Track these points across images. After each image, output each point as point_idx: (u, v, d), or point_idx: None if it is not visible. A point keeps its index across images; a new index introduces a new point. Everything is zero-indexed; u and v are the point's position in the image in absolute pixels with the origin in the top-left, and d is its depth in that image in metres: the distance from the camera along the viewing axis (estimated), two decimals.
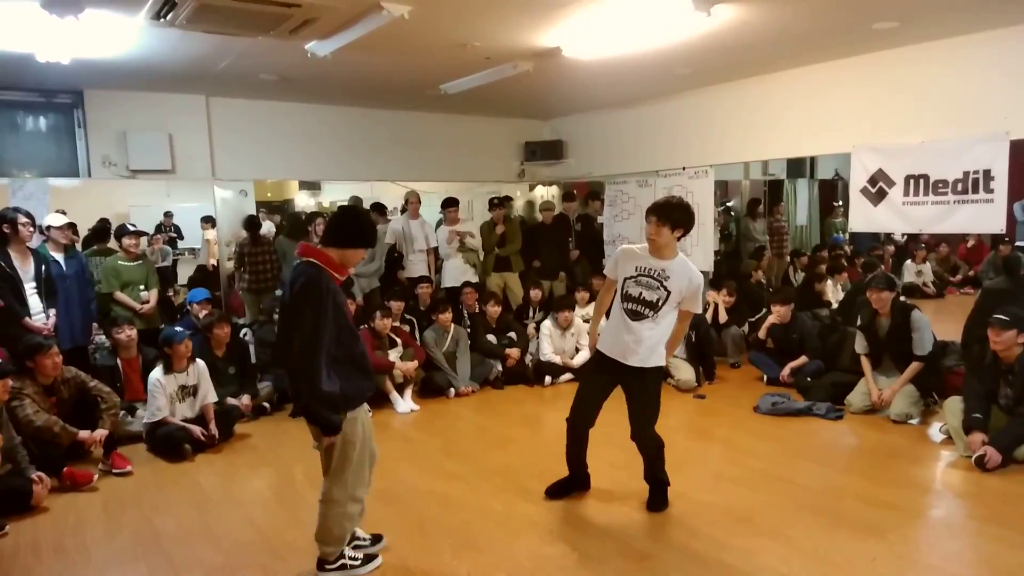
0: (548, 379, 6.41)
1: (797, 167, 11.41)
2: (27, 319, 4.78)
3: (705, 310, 6.68)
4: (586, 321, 6.68)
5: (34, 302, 4.88)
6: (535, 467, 4.19)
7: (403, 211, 7.95)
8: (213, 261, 8.25)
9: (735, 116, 6.96)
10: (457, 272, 7.47)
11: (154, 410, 4.75)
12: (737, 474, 4.18)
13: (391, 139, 8.21)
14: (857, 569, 3.05)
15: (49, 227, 5.34)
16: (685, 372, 6.13)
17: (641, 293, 3.47)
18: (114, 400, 4.70)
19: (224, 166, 7.30)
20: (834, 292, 8.00)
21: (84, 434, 4.38)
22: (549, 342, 6.54)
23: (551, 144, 9.08)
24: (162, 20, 4.32)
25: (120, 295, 5.77)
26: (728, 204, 10.49)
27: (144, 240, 6.81)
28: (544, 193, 9.66)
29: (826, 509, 3.64)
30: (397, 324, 6.20)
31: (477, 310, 6.82)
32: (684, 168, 7.43)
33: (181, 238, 9.88)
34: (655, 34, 5.05)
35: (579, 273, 8.07)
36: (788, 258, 9.58)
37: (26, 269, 4.87)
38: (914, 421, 5.03)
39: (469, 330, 6.55)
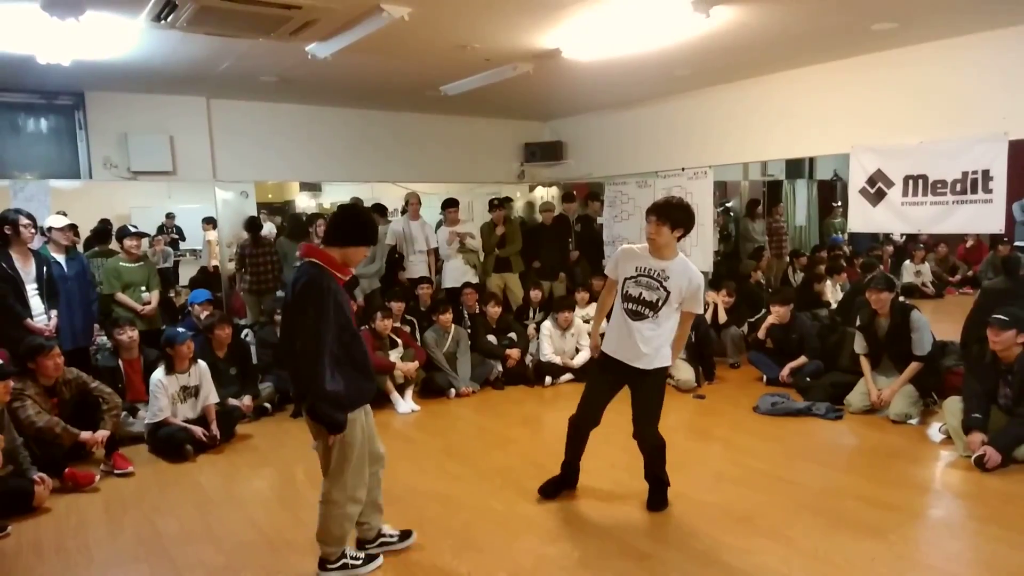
0: (548, 379, 6.42)
1: (796, 168, 11.41)
2: (28, 320, 4.79)
3: (705, 310, 6.68)
4: (586, 321, 6.70)
5: (35, 303, 4.89)
6: (535, 467, 4.20)
7: (403, 212, 7.97)
8: (214, 262, 8.27)
9: (734, 117, 6.97)
10: (457, 273, 7.48)
11: (156, 411, 4.77)
12: (737, 474, 4.19)
13: (391, 140, 8.22)
14: (857, 569, 3.05)
15: (50, 228, 5.35)
16: (685, 372, 6.13)
17: (641, 293, 3.48)
18: (116, 401, 4.71)
19: (225, 167, 7.31)
20: (833, 292, 8.01)
21: (86, 435, 4.39)
22: (549, 343, 6.55)
23: (551, 145, 9.09)
24: (163, 22, 4.33)
25: (121, 296, 5.78)
26: (727, 205, 10.50)
27: (145, 241, 6.83)
28: (544, 194, 9.66)
29: (826, 509, 3.65)
30: (398, 325, 6.21)
31: (477, 311, 6.83)
32: (683, 169, 7.44)
33: (183, 239, 9.91)
34: (654, 35, 5.05)
35: (579, 274, 8.08)
36: (787, 258, 9.56)
37: (27, 270, 4.87)
38: (913, 421, 5.03)
39: (469, 331, 6.55)
